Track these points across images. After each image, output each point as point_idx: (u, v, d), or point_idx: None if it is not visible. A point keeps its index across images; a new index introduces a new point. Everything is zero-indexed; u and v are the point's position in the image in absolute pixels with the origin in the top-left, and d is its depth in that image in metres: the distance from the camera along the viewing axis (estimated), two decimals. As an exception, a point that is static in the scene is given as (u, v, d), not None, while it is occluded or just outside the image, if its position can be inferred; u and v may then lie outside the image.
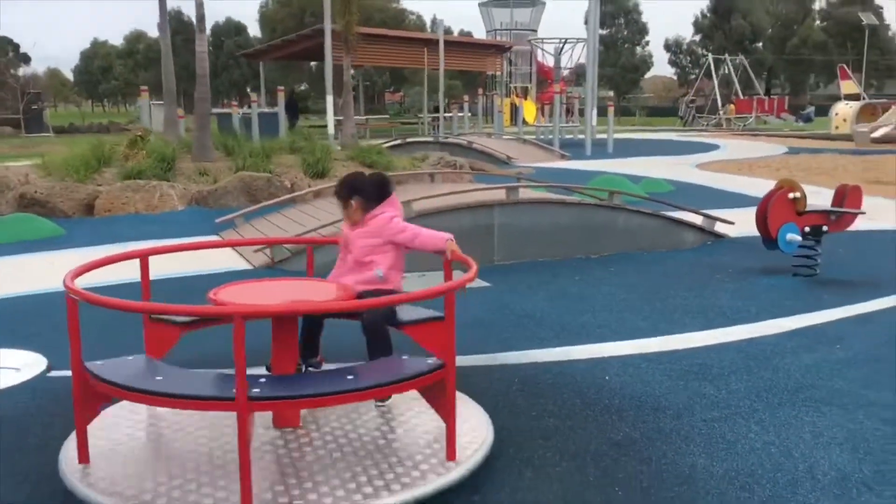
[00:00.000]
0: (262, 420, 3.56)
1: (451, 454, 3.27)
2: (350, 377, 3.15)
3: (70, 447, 3.39)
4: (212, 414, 3.58)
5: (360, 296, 3.71)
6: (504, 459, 3.45)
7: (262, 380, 3.12)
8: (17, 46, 72.24)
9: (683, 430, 3.76)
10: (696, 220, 8.73)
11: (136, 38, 73.77)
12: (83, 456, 3.24)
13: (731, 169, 18.07)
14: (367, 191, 3.95)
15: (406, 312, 3.91)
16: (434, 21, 67.49)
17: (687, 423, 3.85)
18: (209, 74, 14.22)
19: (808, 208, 6.80)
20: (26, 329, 5.55)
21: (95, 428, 3.38)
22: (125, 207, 10.81)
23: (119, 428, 3.62)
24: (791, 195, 6.69)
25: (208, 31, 52.59)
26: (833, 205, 6.95)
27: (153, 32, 69.44)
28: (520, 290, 6.65)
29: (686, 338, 5.26)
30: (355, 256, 3.92)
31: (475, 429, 3.58)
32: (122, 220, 10.40)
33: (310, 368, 3.86)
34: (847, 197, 6.90)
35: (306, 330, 3.91)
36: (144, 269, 3.98)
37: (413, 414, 3.72)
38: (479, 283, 6.75)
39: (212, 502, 2.92)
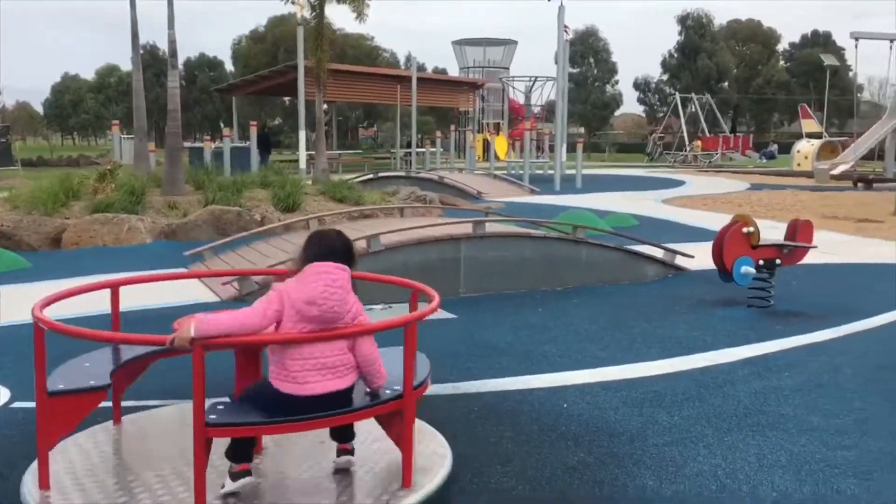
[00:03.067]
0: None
1: (406, 481, 3.34)
2: None
3: (32, 475, 3.44)
4: (176, 440, 3.66)
5: None
6: (460, 484, 3.55)
7: (220, 406, 3.15)
8: (-15, 80, 72.00)
9: (636, 455, 3.89)
10: (658, 253, 8.95)
11: (107, 71, 73.70)
12: (44, 482, 3.28)
13: (694, 204, 18.46)
14: (307, 254, 3.32)
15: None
16: (408, 58, 68.36)
17: (639, 447, 3.98)
18: (181, 108, 14.34)
19: (761, 242, 7.04)
20: (-9, 360, 5.56)
21: (58, 454, 3.43)
22: (93, 240, 10.81)
23: (81, 455, 3.67)
24: (745, 229, 6.93)
25: (182, 66, 52.70)
26: (785, 239, 7.20)
27: (126, 66, 69.50)
28: (484, 321, 6.78)
29: (643, 367, 5.42)
30: None
31: (433, 456, 3.67)
32: (89, 254, 10.40)
33: None
34: (798, 231, 7.15)
35: None
36: (115, 299, 4.05)
37: (373, 439, 3.81)
38: (445, 314, 6.87)
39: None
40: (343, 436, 3.50)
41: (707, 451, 3.94)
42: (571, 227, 8.97)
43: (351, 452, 3.50)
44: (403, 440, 3.35)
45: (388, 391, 3.34)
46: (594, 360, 5.61)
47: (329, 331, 3.15)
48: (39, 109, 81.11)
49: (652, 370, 5.34)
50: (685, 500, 3.40)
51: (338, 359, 3.19)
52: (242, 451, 3.20)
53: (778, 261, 7.05)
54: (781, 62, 73.08)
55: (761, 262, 7.00)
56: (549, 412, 4.51)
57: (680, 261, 8.88)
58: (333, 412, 3.20)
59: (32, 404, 4.59)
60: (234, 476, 3.18)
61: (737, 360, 5.57)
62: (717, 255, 7.02)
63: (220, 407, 3.16)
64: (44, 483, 3.28)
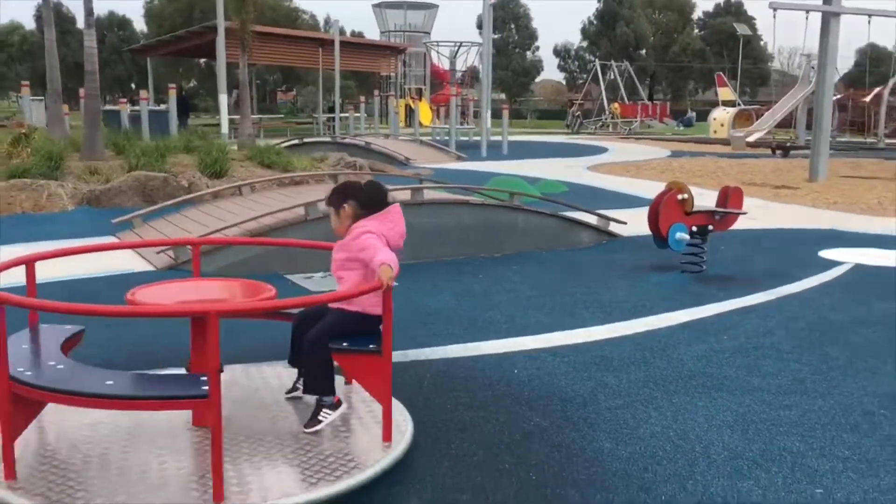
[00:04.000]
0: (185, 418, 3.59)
1: (387, 435, 3.48)
2: (109, 382, 3.06)
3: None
4: (140, 425, 3.56)
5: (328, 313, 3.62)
6: (422, 451, 3.57)
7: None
8: None
9: (590, 418, 3.99)
10: (591, 220, 9.11)
11: (10, 29, 69.92)
12: (9, 473, 3.10)
13: (619, 171, 18.83)
14: (360, 198, 3.65)
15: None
16: (328, 21, 67.07)
17: (592, 411, 4.09)
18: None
19: (695, 209, 7.24)
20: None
21: (22, 444, 3.31)
22: (11, 208, 10.34)
23: (47, 442, 3.54)
24: (680, 196, 7.12)
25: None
26: (717, 206, 7.43)
27: (29, 24, 66.19)
28: (426, 288, 6.80)
29: (587, 332, 5.54)
30: (335, 269, 3.67)
31: (394, 422, 3.69)
32: (8, 221, 9.95)
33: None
34: (730, 198, 7.39)
35: (294, 339, 3.77)
36: (31, 275, 3.78)
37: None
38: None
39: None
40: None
41: (658, 413, 4.07)
42: (506, 193, 9.04)
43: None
44: (383, 395, 3.48)
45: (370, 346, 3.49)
46: (539, 325, 5.70)
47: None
48: (-65, 68, 76.57)
49: (596, 335, 5.46)
50: (641, 460, 3.51)
51: None
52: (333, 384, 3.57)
53: (710, 227, 7.27)
54: (696, 30, 74.74)
55: (695, 228, 7.21)
56: (501, 378, 4.58)
57: (613, 227, 9.07)
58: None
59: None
60: (334, 407, 3.57)
61: (676, 323, 5.75)
62: (653, 221, 7.20)
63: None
64: (9, 474, 3.08)
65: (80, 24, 12.89)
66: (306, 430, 3.52)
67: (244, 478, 3.10)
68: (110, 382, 3.04)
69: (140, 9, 67.50)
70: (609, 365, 4.82)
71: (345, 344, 3.49)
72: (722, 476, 3.37)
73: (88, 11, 13.20)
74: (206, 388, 2.91)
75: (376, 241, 3.51)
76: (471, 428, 3.86)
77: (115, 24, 68.44)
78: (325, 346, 3.47)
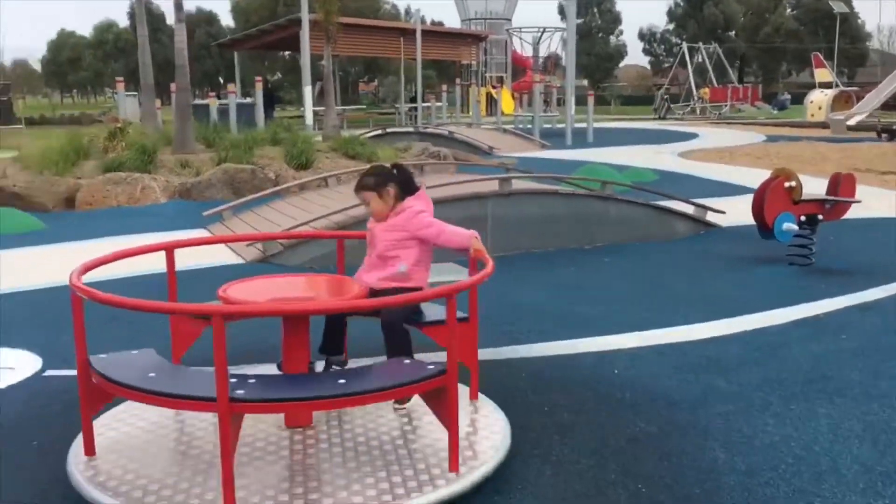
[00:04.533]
0: (275, 418, 3.49)
1: (453, 465, 3.08)
2: (341, 381, 3.03)
3: (78, 446, 3.30)
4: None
5: (381, 292, 3.62)
6: (522, 456, 3.38)
7: (252, 381, 3.00)
8: (-18, 37, 71.03)
9: (700, 425, 3.72)
10: (687, 209, 8.72)
11: (105, 28, 72.57)
12: (89, 449, 3.18)
13: (712, 157, 18.16)
14: (398, 181, 3.80)
15: (430, 311, 3.79)
16: (408, 11, 67.29)
17: (703, 416, 3.81)
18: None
19: (803, 197, 6.81)
20: (16, 327, 5.40)
21: (103, 423, 3.30)
22: (106, 201, 10.61)
23: (128, 422, 3.54)
24: (787, 184, 6.70)
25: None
26: (827, 193, 6.97)
27: (124, 22, 68.56)
28: (517, 281, 6.59)
29: (690, 329, 5.24)
30: (379, 251, 3.76)
31: (492, 425, 3.51)
32: (104, 214, 10.21)
33: (334, 367, 3.75)
34: (841, 185, 6.92)
35: (328, 328, 3.77)
36: (170, 262, 3.97)
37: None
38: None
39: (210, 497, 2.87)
40: (337, 349, 3.80)
41: (775, 420, 3.77)
42: (597, 182, 8.74)
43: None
44: (449, 420, 3.08)
45: (430, 366, 3.12)
46: (638, 321, 5.42)
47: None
48: (37, 67, 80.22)
49: (700, 332, 5.16)
50: (761, 473, 3.23)
51: None
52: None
53: (820, 216, 6.83)
54: (789, 10, 71.79)
55: (803, 217, 6.78)
56: (601, 379, 4.34)
57: (710, 217, 8.66)
58: (366, 389, 3.02)
59: (66, 372, 4.48)
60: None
61: (787, 321, 5.38)
62: (758, 210, 6.80)
63: (252, 381, 3.01)
64: (89, 450, 3.19)
65: (170, 20, 13.18)
66: (397, 407, 3.64)
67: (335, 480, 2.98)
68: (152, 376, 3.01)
69: (227, 5, 68.98)
70: (717, 366, 4.52)
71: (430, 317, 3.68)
72: (854, 493, 3.07)
73: (178, 6, 13.44)
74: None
75: (434, 219, 3.78)
76: (571, 432, 3.65)
77: (202, 21, 70.26)
78: (402, 325, 3.59)
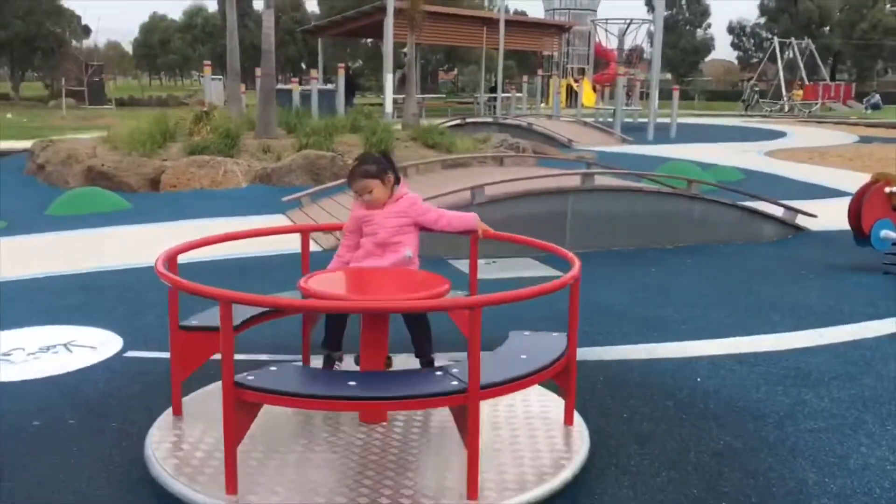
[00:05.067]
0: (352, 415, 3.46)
1: (472, 492, 2.83)
2: (352, 383, 2.94)
3: (156, 432, 3.33)
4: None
5: None
6: (600, 465, 3.27)
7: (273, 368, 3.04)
8: (79, 19, 73.65)
9: (788, 441, 3.53)
10: (776, 211, 8.39)
11: (194, 12, 74.47)
12: (177, 408, 3.44)
13: (801, 157, 17.49)
14: (392, 168, 3.83)
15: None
16: (491, 0, 66.84)
17: (791, 433, 3.62)
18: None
19: (904, 204, 6.45)
20: (99, 306, 5.53)
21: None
22: (190, 183, 10.83)
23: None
24: (888, 189, 6.35)
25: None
26: (931, 201, 6.58)
27: (212, 6, 70.21)
28: (595, 280, 6.42)
29: (778, 338, 5.01)
30: (382, 238, 3.73)
31: (571, 431, 3.41)
32: (187, 196, 10.43)
33: (337, 363, 3.77)
34: (947, 193, 6.52)
35: (334, 322, 3.73)
36: (305, 244, 4.19)
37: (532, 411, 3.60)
38: (552, 272, 6.56)
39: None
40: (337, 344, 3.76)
41: (870, 440, 3.55)
42: (682, 181, 8.47)
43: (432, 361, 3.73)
44: (470, 442, 2.83)
45: (454, 382, 2.86)
46: (721, 328, 5.22)
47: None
48: (129, 49, 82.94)
49: (789, 342, 4.92)
50: (855, 498, 3.05)
51: None
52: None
53: (922, 225, 6.46)
54: (888, 5, 68.59)
55: (903, 225, 6.43)
56: (683, 386, 4.18)
57: (801, 220, 8.31)
58: (364, 396, 2.94)
59: (147, 353, 4.56)
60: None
61: (883, 334, 5.10)
62: (855, 216, 6.47)
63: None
64: (176, 409, 3.38)
65: (258, 5, 13.39)
66: None
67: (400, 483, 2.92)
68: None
69: (313, -10, 69.93)
70: (807, 379, 4.30)
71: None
72: (958, 527, 2.86)
73: (267, -8, 13.60)
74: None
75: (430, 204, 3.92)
76: (651, 442, 3.51)
77: (288, 6, 71.40)
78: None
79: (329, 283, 3.38)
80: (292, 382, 2.91)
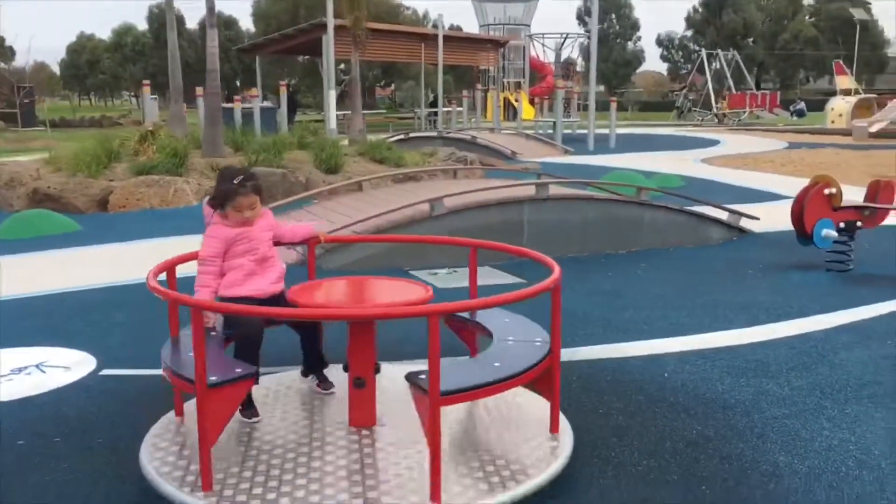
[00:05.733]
0: (343, 418, 3.54)
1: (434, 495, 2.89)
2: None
3: (147, 447, 3.36)
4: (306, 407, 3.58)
5: (281, 294, 3.67)
6: (584, 458, 3.42)
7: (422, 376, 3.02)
8: (1, 40, 71.53)
9: (756, 428, 3.74)
10: (721, 215, 8.73)
11: (124, 31, 73.08)
12: (207, 483, 3.06)
13: (735, 164, 18.12)
14: None
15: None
16: (426, 16, 67.40)
17: (758, 420, 3.84)
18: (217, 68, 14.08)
19: (842, 204, 6.81)
20: (66, 326, 5.49)
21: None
22: (140, 203, 10.72)
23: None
24: (827, 191, 6.71)
25: (196, 26, 51.98)
26: (866, 200, 6.97)
27: (141, 25, 69.04)
28: (556, 286, 6.61)
29: (734, 334, 5.26)
30: (263, 252, 3.67)
31: (561, 435, 3.55)
32: (137, 216, 10.32)
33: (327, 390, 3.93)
34: (881, 192, 6.92)
35: (306, 343, 3.90)
36: (311, 252, 4.32)
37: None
38: (514, 279, 6.73)
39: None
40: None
41: (831, 424, 3.79)
42: (632, 188, 8.76)
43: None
44: (431, 447, 2.94)
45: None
46: (681, 327, 5.45)
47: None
48: (56, 70, 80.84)
49: (745, 338, 5.17)
50: (823, 477, 3.26)
51: None
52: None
53: (859, 223, 6.83)
54: (808, 17, 71.50)
55: (842, 224, 6.78)
56: (651, 382, 4.37)
57: (744, 223, 8.66)
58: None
59: (122, 371, 4.55)
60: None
61: (830, 326, 5.40)
62: (797, 216, 6.81)
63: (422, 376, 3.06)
64: (206, 485, 2.99)
65: (190, 24, 13.33)
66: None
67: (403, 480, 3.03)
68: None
69: (247, 9, 69.36)
70: (767, 370, 4.54)
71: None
72: (918, 497, 3.09)
73: (210, 11, 13.56)
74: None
75: None
76: (629, 434, 3.68)
77: (222, 24, 70.64)
78: None
79: (312, 294, 3.51)
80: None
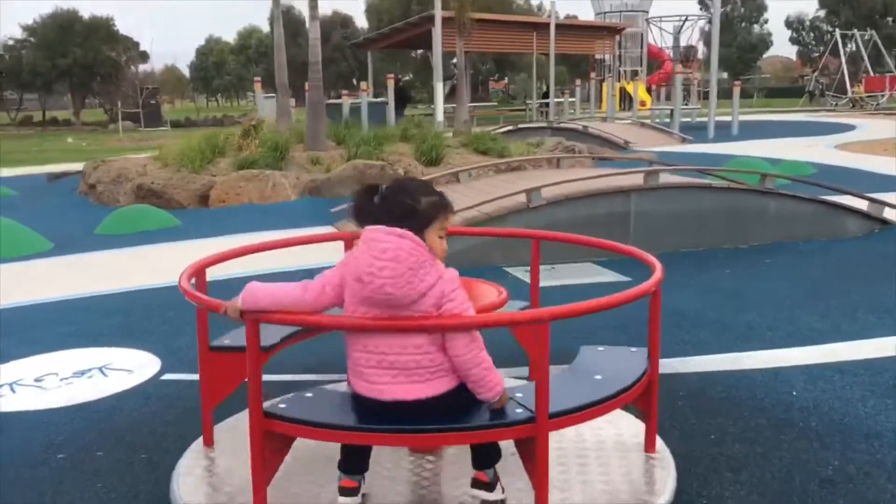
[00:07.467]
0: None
1: None
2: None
3: (183, 468, 2.99)
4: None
5: None
6: (687, 497, 2.81)
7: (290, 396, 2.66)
8: (136, 44, 75.46)
9: (910, 465, 3.02)
10: (860, 204, 7.77)
11: (248, 33, 75.57)
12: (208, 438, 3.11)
13: (875, 150, 16.60)
14: None
15: None
16: (539, 7, 66.35)
17: (912, 454, 3.11)
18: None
19: None
20: (140, 326, 5.27)
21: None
22: (239, 198, 10.64)
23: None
24: None
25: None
26: None
27: (265, 28, 71.15)
28: (665, 284, 5.90)
29: (880, 343, 4.46)
30: None
31: (652, 461, 2.95)
32: (236, 211, 10.23)
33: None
34: None
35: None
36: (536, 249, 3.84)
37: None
38: (618, 277, 6.11)
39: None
40: (478, 460, 2.61)
41: None
42: (753, 176, 7.91)
43: (489, 485, 2.59)
44: (538, 478, 2.45)
45: (518, 410, 2.47)
46: (813, 333, 4.69)
47: (392, 319, 2.36)
48: (186, 72, 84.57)
49: (893, 349, 4.37)
50: None
51: (412, 359, 2.39)
52: (350, 461, 2.58)
53: None
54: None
55: None
56: (776, 402, 3.68)
57: (888, 213, 7.66)
58: (412, 427, 2.42)
59: (184, 376, 4.24)
60: (340, 490, 2.57)
61: None
62: (954, 206, 5.86)
63: (290, 397, 2.59)
64: (207, 440, 3.09)
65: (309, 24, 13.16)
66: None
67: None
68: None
69: (362, 6, 70.29)
70: (921, 390, 3.76)
71: None
72: None
73: (312, 3, 13.41)
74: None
75: None
76: (747, 468, 3.04)
77: (338, 23, 72.00)
78: None
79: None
80: (330, 411, 2.51)
